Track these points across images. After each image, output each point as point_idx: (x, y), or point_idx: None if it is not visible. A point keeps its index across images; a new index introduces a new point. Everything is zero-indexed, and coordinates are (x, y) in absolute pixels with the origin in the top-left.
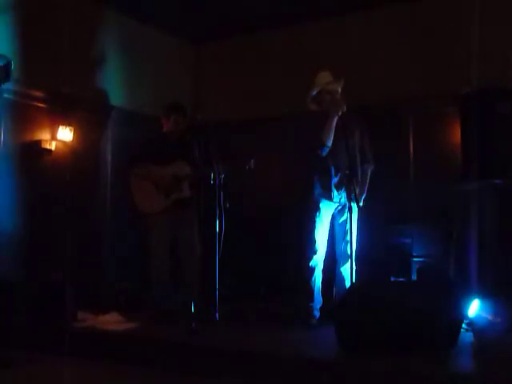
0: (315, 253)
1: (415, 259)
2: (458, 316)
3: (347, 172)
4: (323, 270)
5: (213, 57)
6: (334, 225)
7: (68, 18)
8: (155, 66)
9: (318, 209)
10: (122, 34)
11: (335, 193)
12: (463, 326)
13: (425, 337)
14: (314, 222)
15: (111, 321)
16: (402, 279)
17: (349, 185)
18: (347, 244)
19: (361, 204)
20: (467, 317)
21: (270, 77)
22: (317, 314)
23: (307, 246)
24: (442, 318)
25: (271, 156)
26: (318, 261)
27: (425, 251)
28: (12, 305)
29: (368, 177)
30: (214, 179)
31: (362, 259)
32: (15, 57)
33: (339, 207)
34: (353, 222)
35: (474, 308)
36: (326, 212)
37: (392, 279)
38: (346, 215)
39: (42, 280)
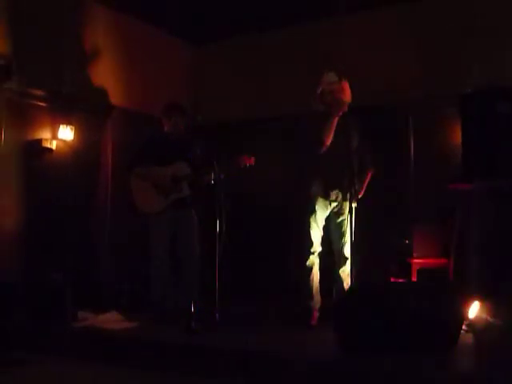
0: (312, 252)
1: (415, 260)
2: (458, 317)
3: (346, 172)
4: (321, 271)
5: (213, 57)
6: (329, 225)
7: (69, 18)
8: (155, 66)
9: (313, 208)
10: (122, 34)
11: (331, 192)
12: (463, 326)
13: (425, 337)
14: (310, 221)
15: (111, 320)
16: (401, 280)
17: (345, 185)
18: (344, 245)
19: (354, 206)
20: (467, 318)
21: (270, 77)
22: (316, 313)
23: (303, 246)
24: (442, 319)
25: (271, 156)
26: (315, 260)
27: (425, 252)
28: (12, 305)
29: (367, 180)
30: (214, 179)
31: (361, 260)
32: (16, 56)
33: (335, 208)
34: (350, 223)
35: (474, 309)
36: (321, 211)
37: (391, 280)
38: (341, 216)
39: (42, 280)
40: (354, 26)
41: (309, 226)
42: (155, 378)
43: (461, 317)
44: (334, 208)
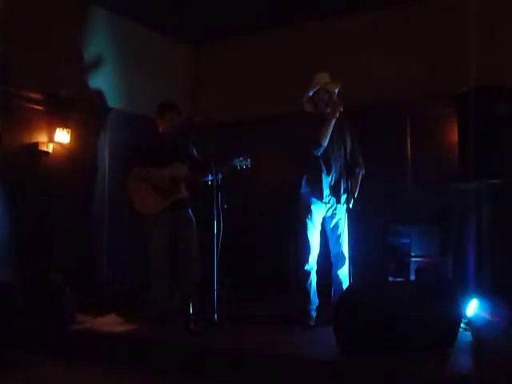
0: (310, 255)
1: (413, 259)
2: (457, 316)
3: (341, 174)
4: (318, 272)
5: (212, 57)
6: (325, 227)
7: (65, 20)
8: (153, 67)
9: (309, 210)
10: (119, 35)
11: (326, 193)
12: (462, 325)
13: (423, 337)
14: (306, 223)
15: (110, 322)
16: (400, 279)
17: (340, 186)
18: (341, 246)
19: (350, 206)
20: (466, 316)
21: (270, 77)
22: (314, 314)
23: (301, 249)
24: (441, 318)
25: (270, 156)
26: (313, 263)
27: (423, 251)
28: (11, 306)
29: (359, 180)
30: (212, 180)
31: (359, 260)
32: (12, 59)
33: (330, 209)
34: (345, 224)
35: (473, 307)
36: (317, 213)
37: (390, 279)
38: (337, 217)
39: (41, 281)
40: (353, 26)
41: (306, 229)
42: (155, 379)
43: (459, 316)
44: (329, 209)
